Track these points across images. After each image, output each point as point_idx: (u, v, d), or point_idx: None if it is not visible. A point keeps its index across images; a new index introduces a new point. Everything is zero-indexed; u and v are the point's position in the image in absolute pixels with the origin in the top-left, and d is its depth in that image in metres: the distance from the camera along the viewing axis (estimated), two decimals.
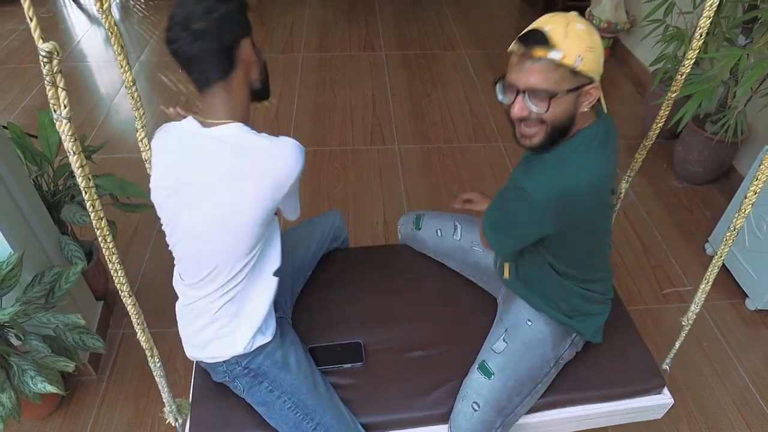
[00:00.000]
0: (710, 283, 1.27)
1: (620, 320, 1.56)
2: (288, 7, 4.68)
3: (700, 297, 1.31)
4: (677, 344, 1.44)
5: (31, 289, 1.58)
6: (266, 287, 1.27)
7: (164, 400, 1.28)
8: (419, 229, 1.69)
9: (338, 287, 1.63)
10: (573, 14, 1.07)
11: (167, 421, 1.32)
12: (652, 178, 2.87)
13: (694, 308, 1.34)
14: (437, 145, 3.11)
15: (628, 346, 1.50)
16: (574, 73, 1.04)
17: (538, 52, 1.03)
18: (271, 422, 1.30)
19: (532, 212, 1.12)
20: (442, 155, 3.03)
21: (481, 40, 4.23)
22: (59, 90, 0.73)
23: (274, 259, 1.26)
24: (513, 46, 1.09)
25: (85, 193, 0.85)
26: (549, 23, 1.05)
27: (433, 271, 1.68)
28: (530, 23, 1.09)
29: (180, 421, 1.33)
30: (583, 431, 1.52)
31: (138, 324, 1.09)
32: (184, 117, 1.19)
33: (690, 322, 1.37)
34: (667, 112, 1.35)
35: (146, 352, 1.16)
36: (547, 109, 1.07)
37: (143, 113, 1.27)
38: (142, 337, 1.12)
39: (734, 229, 1.16)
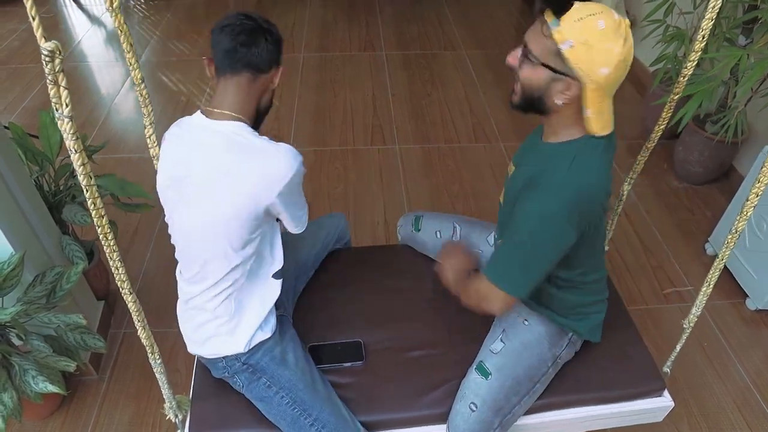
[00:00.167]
0: (711, 286, 1.27)
1: (621, 321, 1.55)
2: (288, 7, 4.69)
3: (701, 300, 1.30)
4: (678, 347, 1.44)
5: (33, 289, 1.58)
6: (267, 289, 1.29)
7: (164, 397, 1.29)
8: (418, 230, 1.69)
9: (339, 286, 1.63)
10: (617, 17, 1.01)
11: (167, 417, 1.33)
12: (653, 178, 2.87)
13: (695, 311, 1.34)
14: (438, 145, 3.11)
15: (629, 348, 1.50)
16: (559, 55, 1.01)
17: (547, 14, 1.02)
18: (269, 417, 1.31)
19: (554, 226, 1.08)
20: (443, 155, 3.04)
21: (482, 40, 4.24)
22: (61, 89, 0.74)
23: (273, 262, 1.27)
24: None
25: (87, 191, 0.86)
26: (584, 4, 1.00)
27: (432, 271, 1.66)
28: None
29: (180, 417, 1.34)
30: None
31: (139, 321, 1.10)
32: None
33: (691, 325, 1.36)
34: (670, 114, 1.35)
35: (147, 348, 1.17)
36: (519, 67, 1.08)
37: (151, 110, 1.29)
38: (142, 334, 1.13)
39: (736, 232, 1.15)
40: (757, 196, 1.08)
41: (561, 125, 1.12)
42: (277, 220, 1.26)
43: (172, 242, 1.26)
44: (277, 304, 1.42)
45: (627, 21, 1.02)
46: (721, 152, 2.65)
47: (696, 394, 1.93)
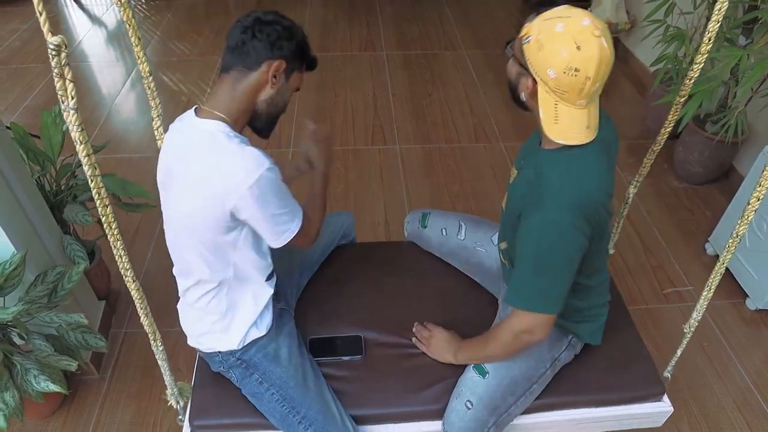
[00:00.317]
0: (712, 290, 1.27)
1: (622, 324, 1.55)
2: (289, 7, 4.69)
3: (702, 304, 1.30)
4: (679, 352, 1.43)
5: (34, 288, 1.58)
6: (260, 289, 1.30)
7: (166, 383, 1.31)
8: (425, 227, 1.70)
9: (343, 281, 1.65)
10: (588, 23, 0.98)
11: (169, 404, 1.35)
12: (653, 178, 2.88)
13: (696, 315, 1.33)
14: (438, 145, 3.12)
15: (629, 351, 1.49)
16: (521, 52, 1.05)
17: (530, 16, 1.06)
18: (261, 412, 1.34)
19: (562, 236, 1.08)
20: (443, 155, 3.04)
21: (482, 40, 4.24)
22: (67, 82, 0.76)
23: (259, 266, 1.27)
24: None
25: (92, 181, 0.88)
26: (566, 6, 1.02)
27: (437, 269, 1.69)
28: None
29: (181, 403, 1.37)
30: None
31: (141, 308, 1.12)
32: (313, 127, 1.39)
33: (692, 329, 1.36)
34: (675, 116, 1.36)
35: (149, 336, 1.19)
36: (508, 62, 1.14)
37: (159, 102, 1.31)
38: (145, 321, 1.14)
39: (737, 236, 1.15)
40: (759, 200, 1.07)
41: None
42: None
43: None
44: (279, 298, 1.45)
45: (598, 25, 0.98)
46: (721, 152, 2.65)
47: (696, 394, 1.93)
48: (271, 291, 1.33)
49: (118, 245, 0.99)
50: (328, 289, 1.62)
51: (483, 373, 1.31)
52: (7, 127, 1.72)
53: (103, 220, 0.95)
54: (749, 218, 1.11)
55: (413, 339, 1.46)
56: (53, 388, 1.47)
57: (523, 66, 1.06)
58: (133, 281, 1.06)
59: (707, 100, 2.24)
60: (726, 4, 1.10)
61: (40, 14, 0.71)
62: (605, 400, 1.43)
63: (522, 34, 1.04)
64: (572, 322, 1.36)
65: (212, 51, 4.00)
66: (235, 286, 1.27)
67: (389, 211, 2.64)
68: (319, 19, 4.57)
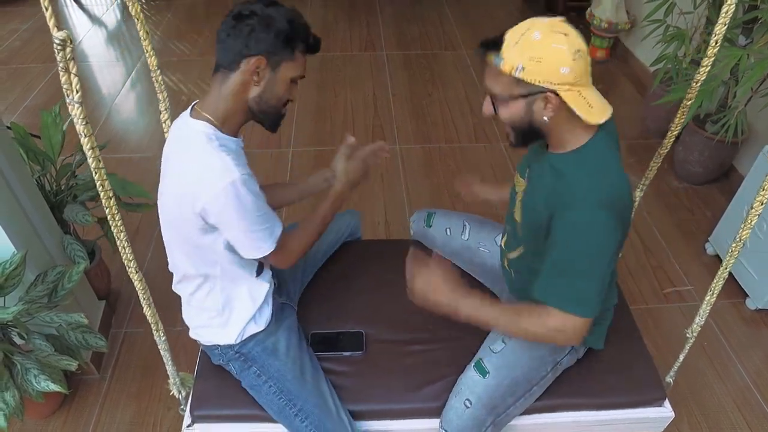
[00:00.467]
0: (715, 295, 1.26)
1: (625, 328, 1.54)
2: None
3: (705, 309, 1.30)
4: (681, 357, 1.43)
5: (34, 288, 1.59)
6: (255, 285, 1.32)
7: (168, 373, 1.33)
8: (430, 226, 1.71)
9: (347, 277, 1.66)
10: (546, 21, 1.05)
11: (171, 393, 1.37)
12: (653, 178, 2.87)
13: (699, 320, 1.33)
14: (438, 145, 3.12)
15: (632, 355, 1.48)
16: (519, 81, 1.04)
17: (489, 56, 1.07)
18: (260, 404, 1.35)
19: (601, 233, 1.07)
20: (443, 155, 3.04)
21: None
22: (72, 76, 0.77)
23: (245, 264, 1.28)
24: None
25: (95, 173, 0.89)
26: (513, 29, 1.06)
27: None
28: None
29: (183, 393, 1.39)
30: None
31: (144, 299, 1.13)
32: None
33: (694, 334, 1.35)
34: (683, 120, 1.35)
35: (152, 326, 1.20)
36: (495, 112, 1.12)
37: (166, 96, 1.33)
38: (148, 312, 1.16)
39: (740, 240, 1.14)
40: (762, 204, 1.06)
41: (564, 135, 1.13)
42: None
43: None
44: (281, 292, 1.48)
45: (559, 18, 1.06)
46: (721, 152, 2.65)
47: (696, 394, 1.93)
48: (267, 285, 1.34)
49: (122, 237, 1.01)
50: (333, 285, 1.63)
51: (483, 372, 1.31)
52: (8, 127, 1.72)
53: (107, 212, 0.96)
54: (752, 222, 1.10)
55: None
56: (53, 387, 1.47)
57: (529, 94, 1.05)
58: (136, 272, 1.07)
59: (707, 100, 2.24)
60: (733, 6, 1.09)
61: (47, 9, 0.73)
62: (605, 404, 1.42)
63: (506, 72, 1.04)
64: None
65: (212, 51, 3.94)
66: (228, 283, 1.28)
67: (389, 211, 2.64)
68: (319, 19, 4.57)
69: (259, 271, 1.32)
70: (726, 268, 1.20)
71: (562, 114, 1.07)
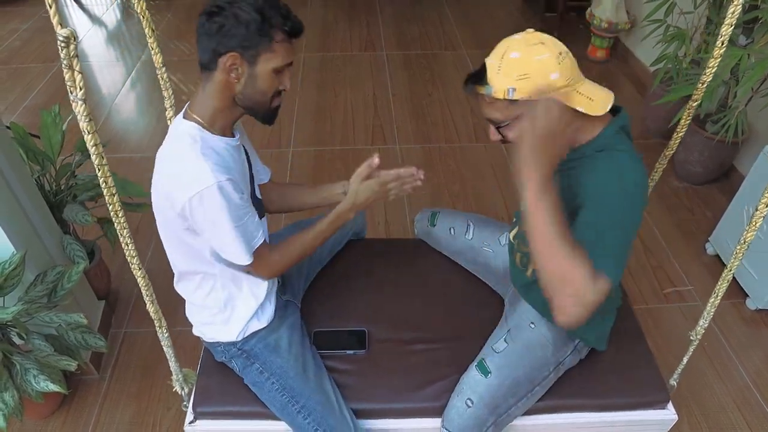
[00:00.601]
0: (719, 297, 1.26)
1: (629, 329, 1.54)
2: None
3: (709, 311, 1.29)
4: (685, 359, 1.42)
5: (34, 288, 1.58)
6: (254, 285, 1.32)
7: (172, 370, 1.33)
8: (434, 226, 1.71)
9: (351, 276, 1.66)
10: (519, 37, 1.07)
11: (174, 389, 1.37)
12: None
13: (703, 323, 1.32)
14: (438, 145, 3.12)
15: (635, 356, 1.48)
16: (514, 102, 1.06)
17: (478, 89, 1.10)
18: (263, 401, 1.36)
19: (637, 198, 1.06)
20: (443, 155, 3.04)
21: (482, 40, 4.24)
22: (75, 73, 0.77)
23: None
24: None
25: (99, 169, 0.90)
26: (490, 58, 1.08)
27: (444, 267, 1.70)
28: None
29: (186, 389, 1.39)
30: None
31: (147, 295, 1.13)
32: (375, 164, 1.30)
33: (698, 336, 1.35)
34: (689, 121, 1.35)
35: (155, 323, 1.20)
36: (502, 137, 1.15)
37: (171, 93, 1.33)
38: (151, 308, 1.16)
39: (744, 242, 1.14)
40: (767, 206, 1.06)
41: (576, 134, 1.14)
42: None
43: None
44: (285, 290, 1.48)
45: (529, 30, 1.08)
46: (721, 152, 2.65)
47: (696, 394, 1.93)
48: (269, 283, 1.34)
49: (125, 233, 1.01)
50: (337, 284, 1.63)
51: (485, 372, 1.31)
52: (7, 127, 1.72)
53: (110, 209, 0.96)
54: (757, 224, 1.10)
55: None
56: (53, 388, 1.47)
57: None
58: (139, 268, 1.07)
59: (707, 100, 2.24)
60: (739, 7, 1.08)
61: (50, 6, 0.73)
62: (608, 405, 1.42)
63: (499, 97, 1.06)
64: (582, 327, 1.34)
65: None
66: (228, 281, 1.28)
67: (389, 211, 2.64)
68: (319, 19, 4.57)
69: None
70: (730, 271, 1.20)
71: (567, 116, 1.07)
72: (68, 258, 1.80)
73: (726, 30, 1.14)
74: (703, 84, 1.27)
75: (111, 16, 4.69)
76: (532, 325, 1.37)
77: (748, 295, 2.22)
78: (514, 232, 1.43)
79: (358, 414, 1.36)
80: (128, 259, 1.06)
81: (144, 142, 3.13)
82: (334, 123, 3.28)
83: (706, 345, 2.09)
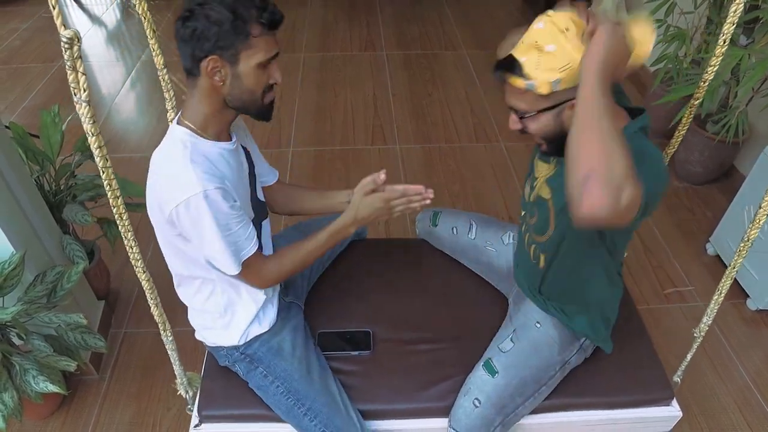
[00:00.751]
0: (723, 294, 1.26)
1: (632, 327, 1.54)
2: (289, 8, 4.68)
3: (712, 308, 1.30)
4: (689, 356, 1.43)
5: (33, 288, 1.58)
6: (253, 289, 1.30)
7: (176, 373, 1.33)
8: (436, 225, 1.71)
9: (354, 277, 1.66)
10: (544, 28, 1.02)
11: (178, 393, 1.36)
12: None
13: (707, 320, 1.33)
14: (438, 145, 3.11)
15: (639, 354, 1.49)
16: (550, 94, 1.04)
17: (513, 80, 1.06)
18: (268, 404, 1.35)
19: (659, 163, 1.06)
20: (444, 155, 3.03)
21: (482, 40, 4.23)
22: (79, 74, 0.78)
23: None
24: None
25: (103, 172, 0.89)
26: (521, 50, 1.04)
27: (447, 267, 1.70)
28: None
29: (190, 393, 1.38)
30: None
31: (152, 299, 1.13)
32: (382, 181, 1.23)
33: (702, 333, 1.35)
34: (690, 119, 1.35)
35: (159, 325, 1.20)
36: (523, 127, 1.13)
37: (173, 95, 1.32)
38: (155, 311, 1.15)
39: (748, 240, 1.14)
40: None
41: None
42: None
43: None
44: (288, 292, 1.47)
45: (548, 15, 1.04)
46: (721, 152, 2.65)
47: (697, 394, 1.93)
48: (266, 292, 1.33)
49: (129, 236, 1.01)
50: (340, 284, 1.63)
51: (493, 372, 1.32)
52: (7, 127, 1.71)
53: (114, 211, 0.96)
54: (761, 222, 1.10)
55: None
56: (52, 388, 1.47)
57: (556, 104, 1.07)
58: (144, 272, 1.07)
59: (708, 100, 2.23)
60: (741, 5, 1.08)
61: (54, 8, 0.72)
62: (613, 403, 1.43)
63: (545, 91, 1.03)
64: (589, 325, 1.35)
65: None
66: (227, 286, 1.27)
67: None
68: (319, 19, 4.57)
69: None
70: (734, 268, 1.20)
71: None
72: (68, 258, 1.79)
73: (728, 28, 1.13)
74: (705, 82, 1.27)
75: (111, 16, 4.69)
76: (538, 325, 1.37)
77: (748, 296, 2.21)
78: (524, 226, 1.40)
79: (364, 415, 1.36)
80: (132, 262, 1.05)
81: (144, 142, 3.13)
82: (334, 123, 3.28)
83: (706, 345, 2.09)
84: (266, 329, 1.34)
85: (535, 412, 1.39)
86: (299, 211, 1.51)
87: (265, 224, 1.37)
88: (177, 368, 1.31)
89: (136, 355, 2.01)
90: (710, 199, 2.75)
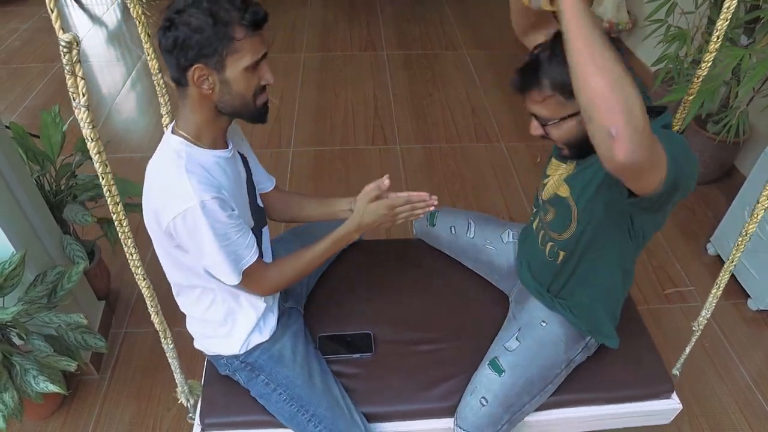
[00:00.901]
0: (721, 288, 1.27)
1: (632, 323, 1.55)
2: (289, 8, 4.68)
3: (711, 302, 1.30)
4: (687, 349, 1.44)
5: (34, 288, 1.58)
6: (253, 297, 1.29)
7: (177, 381, 1.31)
8: (433, 225, 1.71)
9: (353, 279, 1.65)
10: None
11: (179, 401, 1.35)
12: None
13: (705, 313, 1.33)
14: (439, 145, 3.11)
15: (639, 349, 1.50)
16: (569, 99, 1.03)
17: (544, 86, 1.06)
18: (271, 412, 1.34)
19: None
20: (444, 155, 3.03)
21: (483, 40, 4.23)
22: (78, 79, 0.76)
23: None
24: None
25: (102, 178, 0.88)
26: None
27: (446, 266, 1.70)
28: None
29: (191, 401, 1.37)
30: None
31: (152, 306, 1.12)
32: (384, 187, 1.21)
33: (701, 327, 1.36)
34: (684, 115, 1.35)
35: (160, 333, 1.18)
36: (545, 134, 1.13)
37: (168, 99, 1.30)
38: (156, 319, 1.14)
39: (746, 234, 1.15)
40: None
41: None
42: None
43: None
44: (287, 297, 1.46)
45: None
46: (722, 152, 2.65)
47: (697, 394, 1.92)
48: (266, 302, 1.32)
49: (129, 243, 0.99)
50: (339, 287, 1.63)
51: (499, 371, 1.32)
52: (7, 127, 1.71)
53: (114, 217, 0.94)
54: (759, 217, 1.11)
55: None
56: (52, 388, 1.47)
57: (575, 112, 1.06)
58: (144, 279, 1.06)
59: (708, 100, 2.23)
60: (734, 2, 1.09)
61: (52, 11, 0.71)
62: (616, 398, 1.44)
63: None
64: (603, 312, 1.35)
65: None
66: (227, 295, 1.26)
67: None
68: (319, 19, 4.56)
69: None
70: (733, 262, 1.21)
71: None
72: (68, 258, 1.79)
73: (722, 24, 1.14)
74: (698, 78, 1.27)
75: (111, 16, 4.68)
76: (544, 323, 1.37)
77: (749, 296, 2.21)
78: (540, 225, 1.38)
79: (368, 417, 1.35)
80: (132, 269, 1.04)
81: (144, 142, 3.13)
82: (334, 123, 3.28)
83: (707, 345, 2.09)
84: (267, 338, 1.32)
85: (540, 408, 1.40)
86: (298, 218, 1.49)
87: (265, 231, 1.35)
88: (178, 376, 1.29)
89: (136, 356, 2.01)
90: (711, 199, 2.75)
